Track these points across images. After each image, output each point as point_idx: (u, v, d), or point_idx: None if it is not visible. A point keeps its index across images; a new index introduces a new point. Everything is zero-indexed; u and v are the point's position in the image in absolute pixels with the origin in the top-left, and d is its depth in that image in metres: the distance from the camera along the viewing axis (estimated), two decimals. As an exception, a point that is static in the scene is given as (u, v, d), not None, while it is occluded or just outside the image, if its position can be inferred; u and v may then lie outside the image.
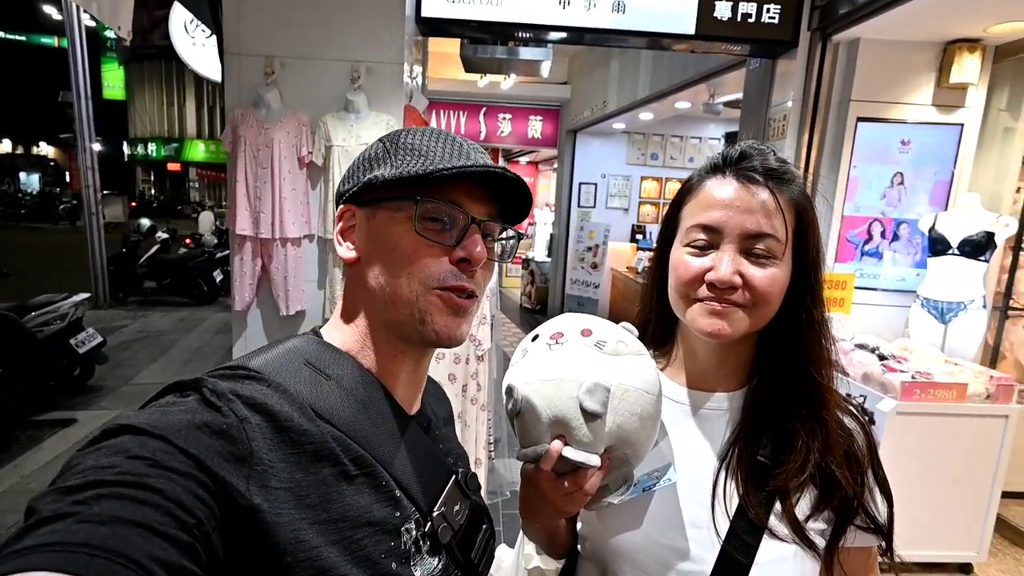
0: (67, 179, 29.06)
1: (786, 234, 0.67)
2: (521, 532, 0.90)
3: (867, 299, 3.11)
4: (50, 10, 8.99)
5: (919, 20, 2.66)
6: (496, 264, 0.64)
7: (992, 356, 3.17)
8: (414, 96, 2.96)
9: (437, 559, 0.57)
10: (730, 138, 6.16)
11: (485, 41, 4.29)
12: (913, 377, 2.40)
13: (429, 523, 0.57)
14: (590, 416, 0.62)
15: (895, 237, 3.09)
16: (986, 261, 2.79)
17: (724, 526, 0.69)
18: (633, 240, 7.32)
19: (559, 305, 7.70)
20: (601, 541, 0.76)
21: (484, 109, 7.26)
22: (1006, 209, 3.01)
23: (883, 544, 0.72)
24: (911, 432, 2.38)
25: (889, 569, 0.77)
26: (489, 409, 2.79)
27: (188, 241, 8.80)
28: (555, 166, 8.54)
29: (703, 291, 0.68)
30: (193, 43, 7.14)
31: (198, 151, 24.48)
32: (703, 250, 0.69)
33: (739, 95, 3.93)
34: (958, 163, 2.99)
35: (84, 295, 4.52)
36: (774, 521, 0.67)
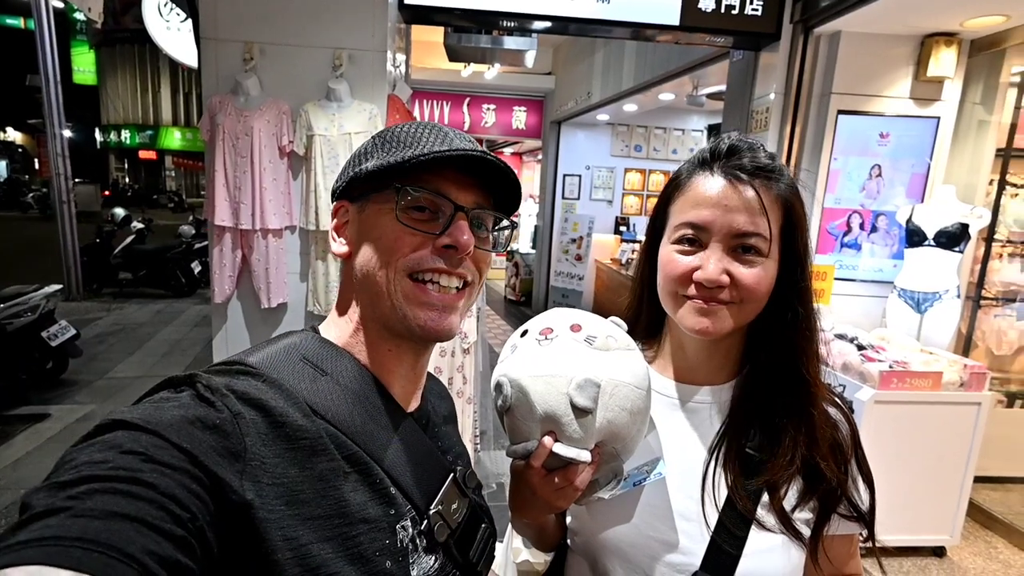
0: (36, 166, 28.16)
1: (773, 231, 0.68)
2: (509, 526, 0.90)
3: (846, 290, 3.16)
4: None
5: (898, 13, 2.69)
6: (491, 254, 0.63)
7: (965, 345, 3.26)
8: (397, 85, 2.92)
9: (433, 558, 0.57)
10: (713, 130, 6.21)
11: (469, 29, 4.25)
12: (891, 366, 2.45)
13: (425, 521, 0.57)
14: (580, 412, 0.62)
15: (873, 229, 3.14)
16: (960, 252, 2.86)
17: (713, 518, 0.69)
18: (617, 232, 7.35)
19: (543, 297, 7.72)
20: (591, 535, 0.76)
21: (468, 99, 7.20)
22: (980, 201, 3.08)
23: (864, 532, 0.74)
24: (888, 420, 2.43)
25: (867, 554, 0.79)
26: (475, 402, 2.78)
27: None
28: (539, 157, 8.52)
29: (691, 289, 0.69)
30: (167, 27, 6.93)
31: (174, 139, 23.89)
32: (691, 248, 0.69)
33: (722, 87, 3.95)
34: (934, 155, 3.05)
35: (56, 286, 4.39)
36: (762, 512, 0.68)
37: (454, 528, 0.60)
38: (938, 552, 2.69)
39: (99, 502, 0.36)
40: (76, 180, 8.83)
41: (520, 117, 7.45)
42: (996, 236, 3.22)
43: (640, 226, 7.34)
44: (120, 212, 8.61)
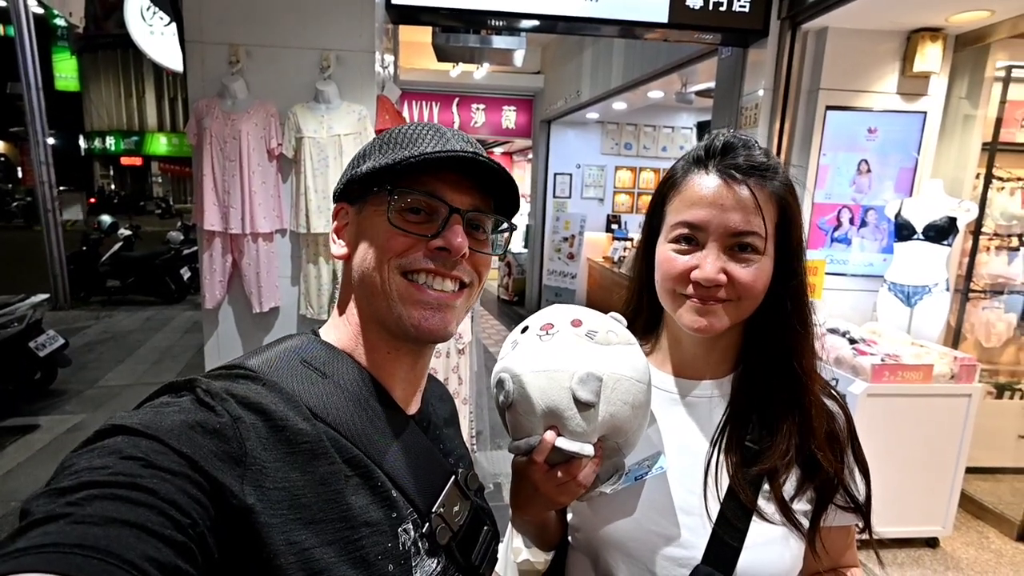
0: (19, 175, 27.79)
1: (768, 229, 0.69)
2: (510, 526, 0.90)
3: (837, 284, 3.19)
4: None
5: (884, 9, 2.72)
6: (491, 257, 0.63)
7: (954, 337, 3.29)
8: (386, 86, 2.90)
9: (436, 560, 0.57)
10: (702, 127, 6.23)
11: (457, 29, 4.24)
12: (883, 360, 2.47)
13: (427, 524, 0.57)
14: (583, 405, 0.62)
15: (863, 223, 3.17)
16: (949, 245, 2.89)
17: (715, 511, 0.70)
18: (609, 230, 7.37)
19: (536, 296, 7.72)
20: (592, 531, 0.76)
21: (457, 99, 7.18)
22: (967, 195, 3.11)
23: (861, 523, 0.75)
24: (881, 413, 2.45)
25: (863, 546, 0.80)
26: (471, 402, 2.77)
27: None
28: (530, 157, 8.52)
29: (689, 288, 0.70)
30: (151, 31, 6.85)
31: (160, 145, 23.67)
32: (688, 247, 0.70)
33: (711, 84, 3.97)
34: (921, 150, 3.08)
35: (42, 296, 4.33)
36: (762, 503, 0.69)
37: (456, 530, 0.60)
38: (931, 543, 2.72)
39: (99, 508, 0.36)
40: (61, 188, 8.73)
41: (510, 117, 7.45)
42: (983, 229, 3.26)
43: (631, 224, 7.36)
44: (107, 219, 8.51)
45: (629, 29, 3.11)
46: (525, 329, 0.70)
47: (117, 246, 7.81)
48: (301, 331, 0.64)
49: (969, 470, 2.66)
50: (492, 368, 0.73)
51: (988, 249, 3.36)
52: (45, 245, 7.09)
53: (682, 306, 0.71)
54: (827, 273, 3.10)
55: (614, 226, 7.39)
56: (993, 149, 3.13)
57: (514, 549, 0.94)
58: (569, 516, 0.82)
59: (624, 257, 5.91)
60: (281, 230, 2.76)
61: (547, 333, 0.67)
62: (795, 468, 0.71)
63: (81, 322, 6.65)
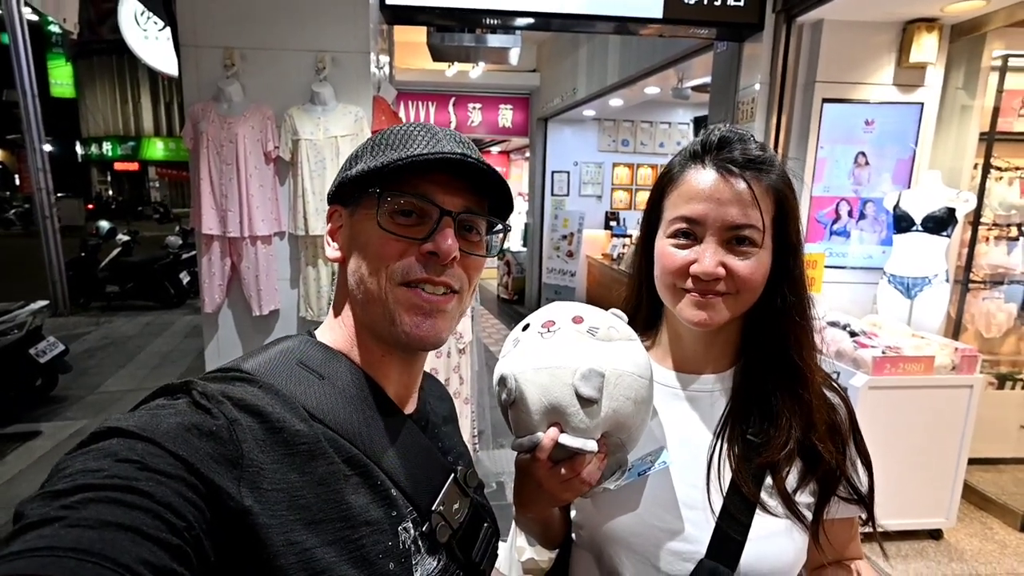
0: (17, 182, 27.78)
1: (766, 222, 0.69)
2: (514, 524, 0.90)
3: (836, 277, 3.18)
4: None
5: (879, 0, 2.71)
6: (483, 260, 0.63)
7: (955, 328, 3.29)
8: (382, 86, 2.90)
9: (436, 558, 0.57)
10: (699, 123, 6.23)
11: (452, 28, 4.23)
12: (883, 352, 2.47)
13: (427, 522, 0.57)
14: (586, 402, 0.62)
15: (861, 216, 3.17)
16: (948, 236, 2.89)
17: (718, 505, 0.70)
18: (607, 227, 7.36)
19: (536, 295, 7.72)
20: (596, 527, 0.76)
21: (453, 99, 7.18)
22: (965, 185, 3.11)
23: (864, 514, 0.75)
24: (882, 405, 2.45)
25: (867, 538, 0.80)
26: (472, 402, 2.77)
27: None
28: (527, 155, 8.51)
29: (688, 282, 0.70)
30: (145, 36, 6.83)
31: (156, 149, 23.64)
32: (686, 241, 0.71)
33: (707, 79, 3.96)
34: (919, 141, 3.08)
35: (42, 303, 4.33)
36: (765, 496, 0.69)
37: (456, 528, 0.60)
38: (935, 535, 2.72)
39: (94, 511, 0.36)
40: (59, 194, 8.73)
41: (506, 115, 7.45)
42: (982, 219, 3.25)
43: (630, 221, 7.35)
44: (105, 225, 8.51)
45: (624, 25, 3.10)
46: (526, 327, 0.71)
47: (116, 251, 7.81)
48: (298, 333, 0.64)
49: (972, 461, 2.66)
50: (493, 367, 0.73)
51: (987, 239, 3.35)
52: (44, 251, 7.09)
53: (681, 300, 0.71)
54: (826, 266, 3.10)
55: (612, 223, 7.38)
56: (991, 139, 3.12)
57: (518, 547, 0.94)
58: (573, 513, 0.82)
59: (623, 254, 5.90)
60: (279, 233, 2.76)
61: (548, 330, 0.67)
62: (797, 461, 0.71)
63: (81, 328, 6.65)
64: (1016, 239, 3.33)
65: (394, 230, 0.55)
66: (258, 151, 2.61)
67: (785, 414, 0.71)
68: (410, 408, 0.64)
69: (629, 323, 0.72)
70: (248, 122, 2.56)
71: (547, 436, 0.63)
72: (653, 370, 0.71)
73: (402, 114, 6.42)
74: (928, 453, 2.55)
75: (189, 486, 0.41)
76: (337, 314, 0.62)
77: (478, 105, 7.29)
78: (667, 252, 0.72)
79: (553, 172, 7.44)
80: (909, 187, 3.08)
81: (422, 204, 0.56)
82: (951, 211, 2.84)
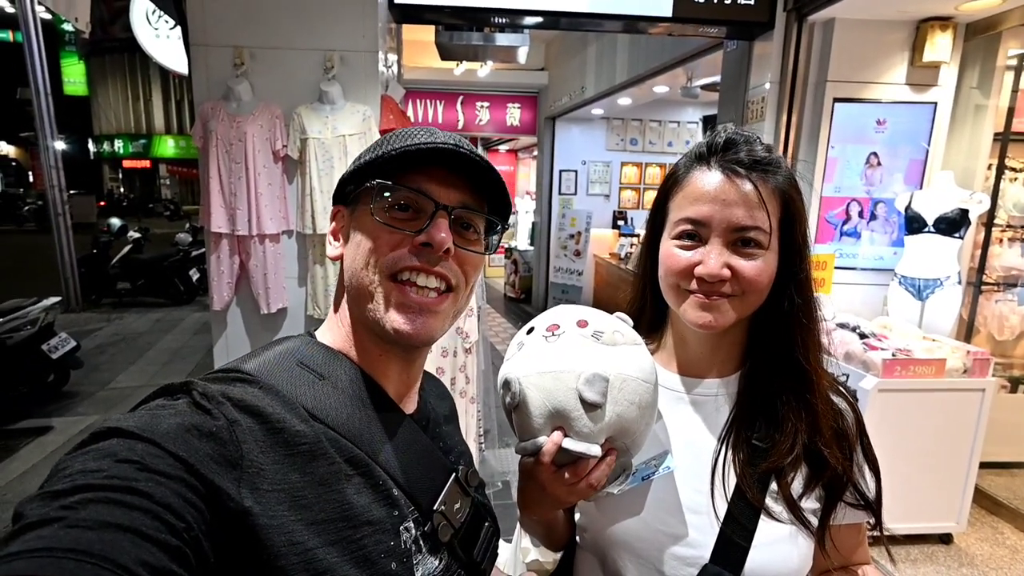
0: (31, 179, 28.10)
1: (772, 224, 0.68)
2: (518, 525, 0.90)
3: (846, 279, 3.15)
4: (1, 2, 8.58)
5: (892, -1, 2.68)
6: (481, 257, 0.62)
7: (967, 331, 3.25)
8: (390, 85, 2.90)
9: (438, 558, 0.57)
10: (708, 122, 6.19)
11: (460, 27, 4.22)
12: (893, 355, 2.44)
13: (429, 522, 0.57)
14: (590, 406, 0.62)
15: (872, 216, 3.13)
16: (960, 238, 2.85)
17: (722, 510, 0.70)
18: (615, 226, 7.33)
19: (543, 294, 7.71)
20: (600, 531, 0.76)
21: (461, 97, 7.17)
22: (978, 186, 3.07)
23: (872, 520, 0.74)
24: (892, 408, 2.43)
25: (875, 543, 0.79)
26: (479, 401, 2.78)
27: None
28: (535, 154, 8.50)
29: (693, 284, 0.70)
30: (156, 35, 6.89)
31: (167, 147, 23.84)
32: (691, 243, 0.70)
33: (717, 78, 3.93)
34: (932, 141, 3.04)
35: (54, 299, 4.38)
36: (770, 502, 0.69)
37: (457, 528, 0.60)
38: (945, 539, 2.69)
39: (93, 512, 0.36)
40: (71, 192, 8.82)
41: (514, 114, 7.44)
42: (996, 221, 3.21)
43: (638, 220, 7.32)
44: (116, 222, 8.59)
45: (633, 24, 3.09)
46: (531, 330, 0.70)
47: (127, 248, 7.89)
48: (300, 332, 0.64)
49: (983, 465, 2.63)
50: (499, 366, 0.73)
51: (1001, 241, 3.31)
52: (56, 248, 7.17)
53: (686, 302, 0.71)
54: (836, 267, 3.07)
55: (620, 222, 7.35)
56: (1005, 139, 3.08)
57: (523, 549, 0.94)
58: (577, 516, 0.82)
59: (631, 253, 5.88)
60: (287, 231, 2.77)
61: (553, 334, 0.67)
62: (803, 466, 0.70)
63: (92, 324, 6.72)
64: (1030, 241, 3.29)
65: (389, 222, 0.56)
66: (267, 150, 2.62)
67: (791, 419, 0.70)
68: (411, 407, 0.64)
69: (634, 326, 0.72)
70: (257, 121, 2.58)
71: (550, 440, 0.63)
72: (658, 374, 0.70)
73: (410, 113, 6.44)
74: (938, 457, 2.53)
75: (189, 487, 0.41)
76: (336, 311, 0.63)
77: (486, 104, 7.28)
78: (672, 253, 0.71)
79: (561, 171, 7.42)
80: (921, 188, 3.05)
81: (417, 198, 0.56)
82: (964, 212, 2.81)
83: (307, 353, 0.57)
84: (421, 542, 0.55)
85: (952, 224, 2.81)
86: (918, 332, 2.76)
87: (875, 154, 3.06)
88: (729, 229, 0.67)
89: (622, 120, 7.29)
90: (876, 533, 0.76)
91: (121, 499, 0.37)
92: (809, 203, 3.08)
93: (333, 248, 0.63)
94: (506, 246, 8.72)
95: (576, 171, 7.44)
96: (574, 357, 0.64)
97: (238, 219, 2.62)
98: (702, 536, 0.69)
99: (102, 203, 21.49)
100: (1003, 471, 3.21)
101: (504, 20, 3.12)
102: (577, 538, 0.83)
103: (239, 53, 2.60)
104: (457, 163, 0.56)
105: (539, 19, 3.06)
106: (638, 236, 6.14)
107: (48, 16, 7.36)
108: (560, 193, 7.48)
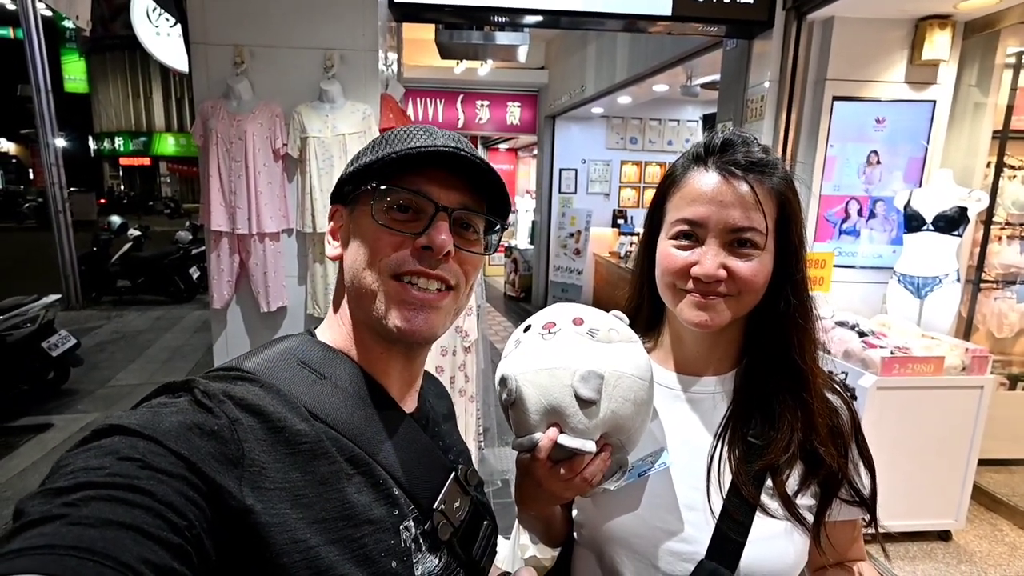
0: (31, 176, 28.11)
1: (768, 224, 0.69)
2: (516, 522, 0.90)
3: (845, 277, 3.16)
4: (2, -1, 8.58)
5: (892, -3, 2.68)
6: (481, 257, 0.63)
7: (966, 328, 3.26)
8: (390, 84, 2.90)
9: (437, 556, 0.57)
10: (708, 120, 6.19)
11: (460, 26, 4.22)
12: (892, 352, 2.45)
13: (428, 521, 0.57)
14: (585, 403, 0.62)
15: (871, 215, 3.14)
16: (959, 236, 2.85)
17: (718, 506, 0.70)
18: (615, 225, 7.33)
19: (543, 292, 7.71)
20: (596, 527, 0.76)
21: (461, 96, 7.17)
22: (977, 184, 3.07)
23: (867, 516, 0.75)
24: (891, 406, 2.43)
25: (872, 540, 0.80)
26: (478, 400, 2.78)
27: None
28: (535, 153, 8.49)
29: (689, 283, 0.70)
30: (157, 33, 6.90)
31: (168, 145, 23.86)
32: (688, 243, 0.71)
33: (716, 77, 3.93)
34: (931, 139, 3.04)
35: (54, 296, 4.39)
36: (765, 498, 0.69)
37: (457, 527, 0.60)
38: (944, 536, 2.70)
39: (95, 510, 0.36)
40: (71, 189, 8.82)
41: (514, 113, 7.43)
42: (995, 219, 3.22)
43: (637, 219, 7.32)
44: (116, 220, 8.59)
45: (633, 22, 3.09)
46: (528, 328, 0.71)
47: (127, 246, 7.90)
48: (304, 329, 0.64)
49: (982, 462, 2.64)
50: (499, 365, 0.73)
51: (1000, 239, 3.32)
52: (56, 246, 7.17)
53: (682, 301, 0.71)
54: (835, 266, 3.07)
55: (620, 221, 7.35)
56: (1004, 137, 3.08)
57: (521, 545, 0.95)
58: (574, 513, 0.82)
59: (630, 252, 5.89)
60: (287, 230, 2.78)
61: (549, 332, 0.68)
62: (798, 463, 0.71)
63: (93, 322, 6.73)
64: (1029, 239, 3.29)
65: (389, 224, 0.56)
66: (267, 148, 2.62)
67: (787, 417, 0.71)
68: (410, 406, 0.64)
69: (631, 324, 0.73)
70: (257, 119, 2.58)
71: (546, 436, 0.63)
72: (654, 372, 0.71)
73: (410, 112, 6.43)
74: (937, 454, 2.53)
75: (190, 485, 0.41)
76: (335, 311, 0.63)
77: (486, 102, 7.28)
78: (668, 253, 0.72)
79: (561, 170, 7.42)
80: (920, 186, 3.05)
81: (417, 200, 0.56)
82: (963, 210, 2.81)
83: (307, 352, 0.58)
84: (421, 541, 0.55)
85: (951, 222, 2.82)
86: (917, 330, 2.77)
87: (874, 152, 3.06)
88: (726, 230, 0.68)
89: (622, 119, 7.28)
90: (872, 531, 0.77)
91: (123, 497, 0.37)
92: (808, 202, 3.09)
93: (332, 248, 0.63)
94: (506, 245, 8.72)
95: (576, 170, 7.44)
96: (570, 354, 0.64)
97: (238, 217, 2.62)
98: (698, 532, 0.70)
99: (102, 201, 21.48)
100: (1002, 468, 3.22)
101: (504, 19, 3.12)
102: (575, 535, 0.83)
103: (239, 51, 2.60)
104: (456, 164, 0.56)
105: (539, 18, 3.06)
106: (638, 235, 6.11)
107: (49, 13, 7.36)
108: (560, 192, 7.48)
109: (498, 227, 0.64)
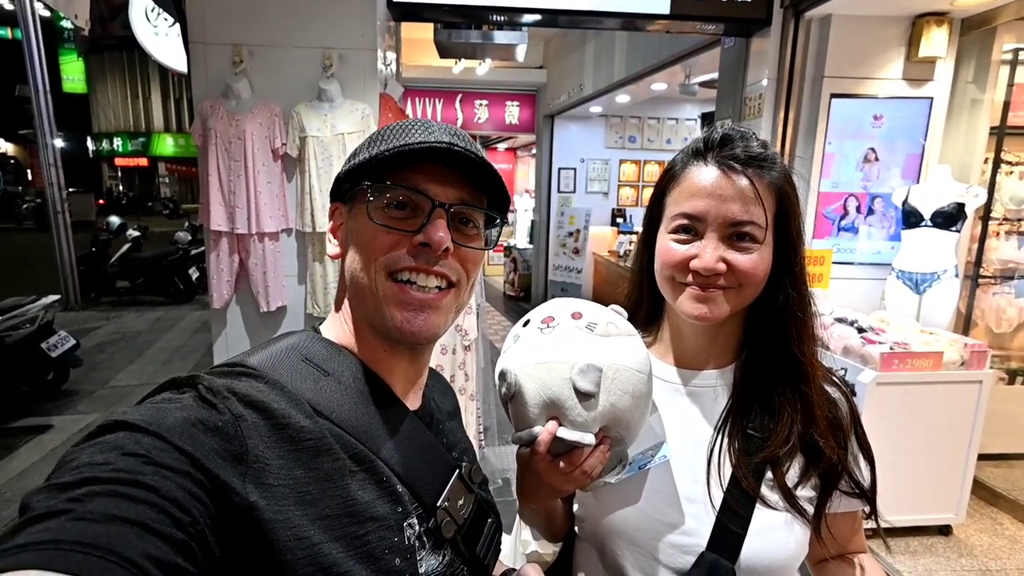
0: (29, 177, 28.05)
1: (768, 218, 0.69)
2: (518, 518, 0.91)
3: (844, 273, 3.17)
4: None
5: (889, -6, 2.69)
6: (482, 252, 0.62)
7: (965, 324, 3.27)
8: (389, 83, 2.91)
9: (441, 554, 0.57)
10: (706, 118, 6.19)
11: (458, 25, 4.22)
12: (891, 348, 2.45)
13: (432, 518, 0.57)
14: (583, 396, 0.63)
15: (870, 211, 3.15)
16: (957, 231, 2.86)
17: (718, 499, 0.71)
18: (614, 224, 7.34)
19: (542, 292, 7.72)
20: (597, 521, 0.77)
21: (460, 96, 7.17)
22: (975, 180, 3.08)
23: (867, 508, 0.76)
24: (891, 401, 2.44)
25: (874, 535, 0.80)
26: (478, 398, 2.79)
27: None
28: (534, 152, 8.49)
29: (688, 277, 0.71)
30: (155, 32, 6.88)
31: (166, 145, 23.81)
32: (687, 237, 0.71)
33: (714, 75, 3.94)
34: (928, 136, 3.05)
35: (54, 297, 4.38)
36: (765, 490, 0.70)
37: (461, 524, 0.60)
38: (944, 530, 2.70)
39: (99, 505, 0.36)
40: (70, 190, 8.81)
41: (513, 112, 7.43)
42: (992, 214, 3.23)
43: (636, 217, 7.33)
44: (115, 220, 8.58)
45: (631, 21, 3.09)
46: (527, 323, 0.71)
47: (126, 247, 7.88)
48: (304, 328, 0.64)
49: (982, 457, 2.64)
50: (498, 363, 0.73)
51: (997, 234, 3.32)
52: (55, 246, 7.16)
53: (682, 294, 0.72)
54: (834, 262, 3.08)
55: (619, 220, 7.36)
56: (1001, 133, 3.09)
57: (523, 541, 0.95)
58: (575, 507, 0.83)
59: (630, 251, 5.89)
60: (287, 229, 2.78)
61: (548, 326, 0.68)
62: (798, 455, 0.71)
63: (92, 323, 6.72)
64: (1027, 235, 3.30)
65: (386, 222, 0.55)
66: (266, 148, 2.62)
67: (786, 409, 0.71)
68: (415, 404, 0.64)
69: (631, 319, 0.73)
70: (256, 119, 2.58)
71: (545, 430, 0.64)
72: (654, 365, 0.71)
73: (409, 111, 6.43)
74: (937, 449, 2.54)
75: (194, 481, 0.41)
76: (338, 309, 0.63)
77: (485, 102, 7.28)
78: (668, 247, 0.72)
79: (560, 169, 7.42)
80: (918, 182, 3.06)
81: (413, 196, 0.56)
82: (961, 206, 2.82)
83: (312, 348, 0.57)
84: (424, 538, 0.55)
85: (949, 218, 2.83)
86: (916, 325, 2.77)
87: (872, 149, 3.07)
88: (725, 224, 0.68)
89: (620, 117, 7.29)
90: (873, 525, 0.77)
91: (127, 492, 0.37)
92: (807, 199, 3.10)
93: (332, 246, 0.63)
94: (505, 244, 8.72)
95: (575, 169, 7.44)
96: (568, 348, 0.65)
97: (237, 217, 2.62)
98: (698, 524, 0.70)
99: (101, 201, 21.45)
100: (1001, 462, 3.22)
101: (503, 18, 3.12)
102: (576, 529, 0.84)
103: (238, 51, 2.60)
104: (453, 159, 0.56)
105: (537, 17, 3.06)
106: (637, 233, 6.12)
107: (47, 13, 7.35)
108: (559, 191, 7.48)
109: (498, 221, 0.64)
